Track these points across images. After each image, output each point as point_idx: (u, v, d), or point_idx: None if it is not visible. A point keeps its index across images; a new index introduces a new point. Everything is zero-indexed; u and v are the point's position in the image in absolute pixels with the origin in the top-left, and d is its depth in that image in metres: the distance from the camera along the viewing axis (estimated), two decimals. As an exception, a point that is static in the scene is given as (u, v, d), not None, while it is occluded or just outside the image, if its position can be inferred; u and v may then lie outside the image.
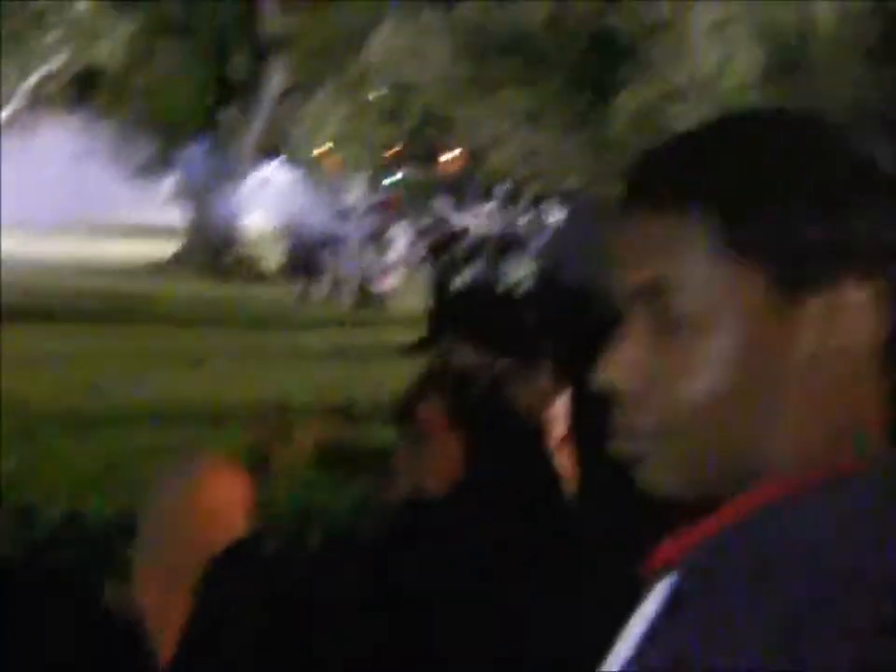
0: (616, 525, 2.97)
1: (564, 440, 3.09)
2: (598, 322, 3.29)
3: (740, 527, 1.01)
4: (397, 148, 54.29)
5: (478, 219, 28.87)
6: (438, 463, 2.72)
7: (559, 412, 2.85)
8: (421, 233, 28.71)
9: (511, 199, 31.08)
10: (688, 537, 1.05)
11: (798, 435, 1.04)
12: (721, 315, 1.04)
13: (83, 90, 43.07)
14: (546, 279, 3.61)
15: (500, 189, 36.07)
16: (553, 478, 2.78)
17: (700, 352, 1.05)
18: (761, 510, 1.01)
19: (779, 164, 1.05)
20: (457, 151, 54.22)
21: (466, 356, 2.80)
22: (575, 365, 3.30)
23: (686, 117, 37.29)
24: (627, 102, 38.18)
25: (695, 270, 1.05)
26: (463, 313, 3.42)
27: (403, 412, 2.80)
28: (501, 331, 3.18)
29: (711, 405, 1.04)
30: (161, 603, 2.61)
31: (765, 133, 1.09)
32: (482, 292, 4.22)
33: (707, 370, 1.04)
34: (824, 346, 1.04)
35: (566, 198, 36.99)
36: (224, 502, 2.77)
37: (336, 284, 28.46)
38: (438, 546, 2.57)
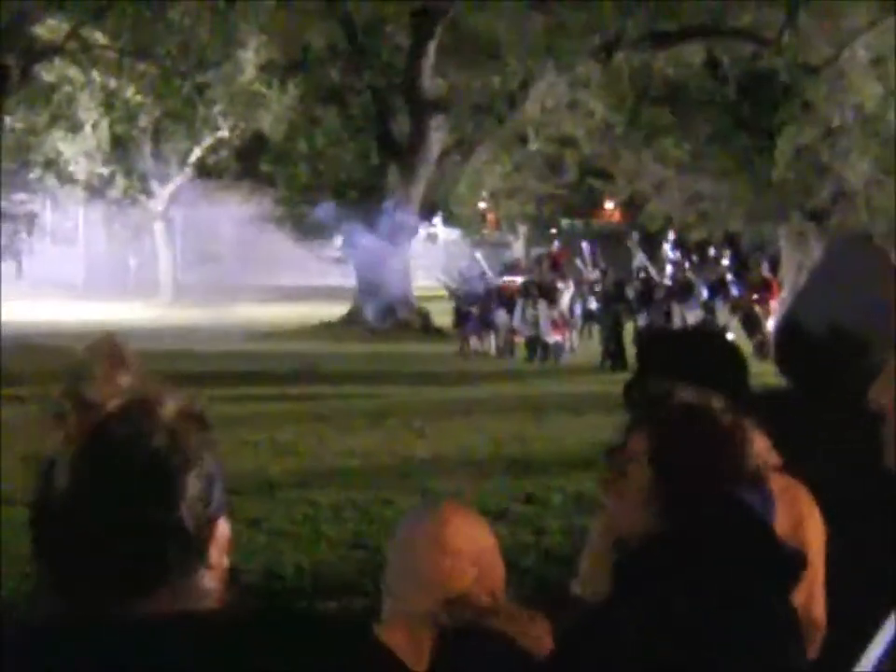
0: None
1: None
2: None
3: None
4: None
5: (646, 266, 28.78)
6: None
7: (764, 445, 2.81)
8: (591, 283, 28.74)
9: (676, 244, 30.99)
10: None
11: None
12: None
13: (250, 159, 44.08)
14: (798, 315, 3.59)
15: (664, 236, 35.97)
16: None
17: None
18: None
19: None
20: (611, 205, 54.23)
21: (686, 394, 2.79)
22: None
23: (848, 154, 36.91)
24: (788, 142, 37.80)
25: None
26: (675, 353, 3.46)
27: (610, 452, 2.79)
28: (714, 369, 3.24)
29: None
30: (408, 645, 2.68)
31: None
32: (692, 331, 4.15)
33: None
34: None
35: (729, 240, 36.78)
36: (467, 546, 2.91)
37: (506, 337, 28.66)
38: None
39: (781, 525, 3.01)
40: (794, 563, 2.63)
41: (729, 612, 2.51)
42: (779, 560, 2.60)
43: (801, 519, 3.24)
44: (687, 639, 2.47)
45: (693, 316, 26.55)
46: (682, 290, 27.00)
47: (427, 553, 2.86)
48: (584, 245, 33.74)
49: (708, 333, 5.06)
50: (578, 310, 29.46)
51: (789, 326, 4.32)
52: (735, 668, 2.50)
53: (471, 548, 2.89)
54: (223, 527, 1.88)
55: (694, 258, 29.08)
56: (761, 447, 2.68)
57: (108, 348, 1.87)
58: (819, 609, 3.22)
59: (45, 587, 1.82)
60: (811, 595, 3.18)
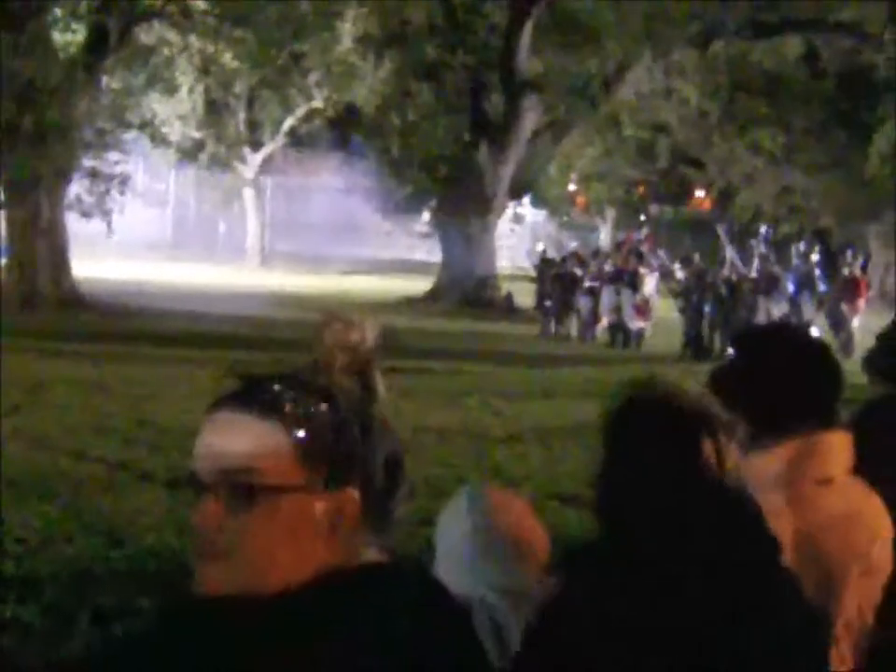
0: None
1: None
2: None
3: None
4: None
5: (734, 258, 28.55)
6: None
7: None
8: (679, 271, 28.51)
9: (766, 237, 30.71)
10: None
11: None
12: None
13: (342, 130, 44.25)
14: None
15: (754, 227, 35.66)
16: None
17: None
18: None
19: None
20: (701, 193, 53.87)
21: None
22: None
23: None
24: (884, 139, 37.37)
25: None
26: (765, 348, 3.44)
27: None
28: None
29: None
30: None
31: None
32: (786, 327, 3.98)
33: None
34: None
35: (819, 236, 36.44)
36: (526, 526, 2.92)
37: (589, 321, 28.58)
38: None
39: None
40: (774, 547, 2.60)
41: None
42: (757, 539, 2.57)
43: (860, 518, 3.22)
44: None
45: (779, 310, 26.31)
46: (769, 284, 26.75)
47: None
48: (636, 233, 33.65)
49: (800, 332, 4.95)
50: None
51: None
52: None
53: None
54: None
55: (783, 251, 28.78)
56: (731, 451, 2.63)
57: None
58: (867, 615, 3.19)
59: None
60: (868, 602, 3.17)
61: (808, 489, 3.19)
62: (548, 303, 29.56)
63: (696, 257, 29.07)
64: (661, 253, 31.87)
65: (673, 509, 2.51)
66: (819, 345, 3.50)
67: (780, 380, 3.24)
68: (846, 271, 27.63)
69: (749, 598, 2.44)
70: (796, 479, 3.18)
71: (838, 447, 3.24)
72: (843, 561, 3.15)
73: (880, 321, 5.79)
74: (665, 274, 29.51)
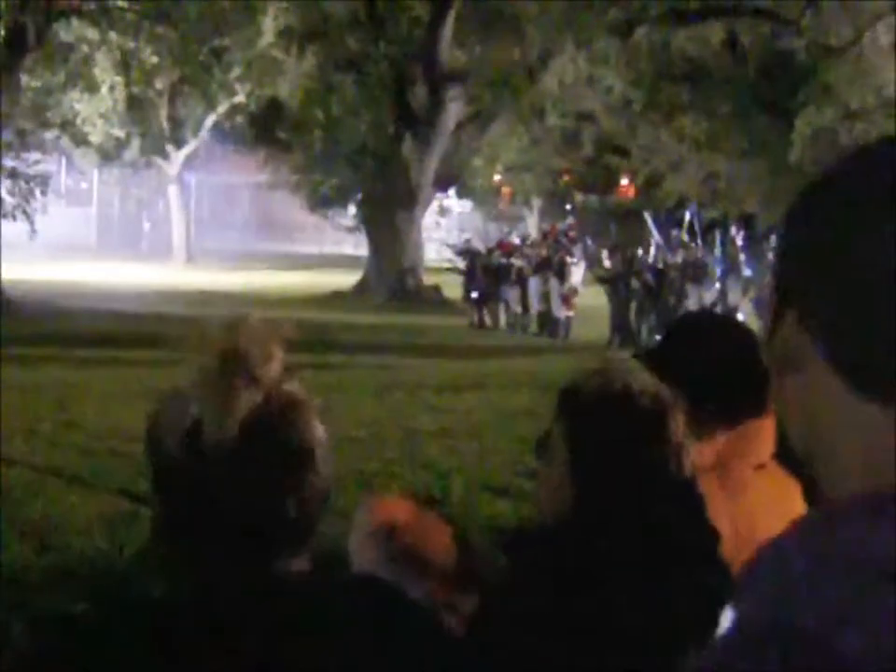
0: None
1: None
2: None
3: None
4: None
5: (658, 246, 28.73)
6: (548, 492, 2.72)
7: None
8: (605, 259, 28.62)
9: (688, 225, 30.92)
10: None
11: None
12: None
13: (265, 125, 44.02)
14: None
15: (679, 214, 35.90)
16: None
17: None
18: None
19: None
20: (626, 182, 54.15)
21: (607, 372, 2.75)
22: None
23: (867, 138, 36.74)
24: (806, 124, 37.66)
25: None
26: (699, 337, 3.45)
27: (538, 441, 2.76)
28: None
29: None
30: None
31: None
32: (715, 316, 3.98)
33: None
34: None
35: (744, 221, 36.69)
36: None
37: (516, 311, 28.66)
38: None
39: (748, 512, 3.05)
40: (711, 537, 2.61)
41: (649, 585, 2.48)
42: (698, 533, 2.58)
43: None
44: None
45: (709, 296, 26.50)
46: (696, 270, 26.94)
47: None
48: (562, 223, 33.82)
49: (733, 320, 4.99)
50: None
51: None
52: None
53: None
54: None
55: (708, 238, 28.97)
56: (682, 425, 2.63)
57: (271, 327, 2.10)
58: None
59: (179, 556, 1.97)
60: None
61: (747, 475, 3.22)
62: (475, 294, 29.60)
63: (623, 245, 29.25)
64: (587, 241, 32.01)
65: (635, 504, 2.52)
66: (753, 333, 3.54)
67: (721, 368, 3.26)
68: (770, 255, 27.86)
69: (683, 601, 2.45)
70: (735, 465, 3.21)
71: (769, 433, 3.28)
72: None
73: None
74: (593, 263, 29.63)
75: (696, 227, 32.34)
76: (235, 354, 1.98)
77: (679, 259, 27.67)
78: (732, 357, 3.29)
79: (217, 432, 1.92)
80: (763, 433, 3.27)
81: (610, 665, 2.42)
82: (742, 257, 28.01)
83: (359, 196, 38.80)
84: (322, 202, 41.74)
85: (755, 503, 3.15)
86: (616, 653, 2.42)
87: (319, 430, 2.00)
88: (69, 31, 33.48)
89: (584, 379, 2.68)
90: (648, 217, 32.45)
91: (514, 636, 2.46)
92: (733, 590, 1.09)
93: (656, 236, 29.94)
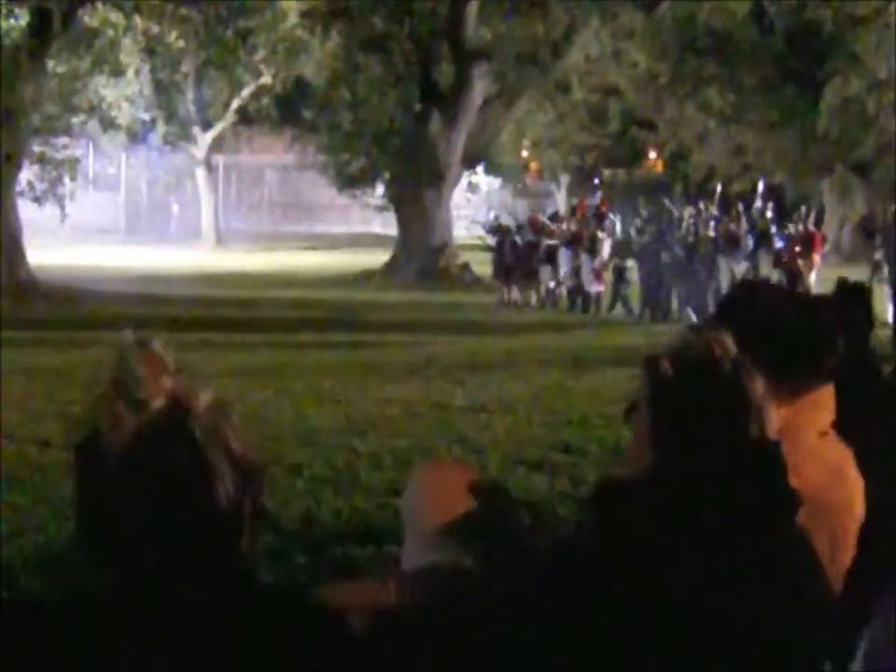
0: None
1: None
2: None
3: None
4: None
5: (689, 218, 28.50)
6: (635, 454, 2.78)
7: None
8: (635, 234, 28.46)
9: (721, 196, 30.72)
10: None
11: None
12: None
13: (291, 106, 44.05)
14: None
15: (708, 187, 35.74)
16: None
17: None
18: None
19: None
20: (654, 155, 53.98)
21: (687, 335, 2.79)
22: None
23: (894, 107, 36.54)
24: (833, 94, 37.49)
25: None
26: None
27: (628, 408, 2.81)
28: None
29: None
30: None
31: None
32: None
33: None
34: None
35: (773, 193, 36.54)
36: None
37: (549, 288, 28.59)
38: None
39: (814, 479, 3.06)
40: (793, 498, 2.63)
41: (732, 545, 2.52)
42: (781, 494, 2.60)
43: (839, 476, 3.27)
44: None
45: (740, 269, 26.33)
46: (727, 243, 26.76)
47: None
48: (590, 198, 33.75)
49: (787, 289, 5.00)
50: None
51: None
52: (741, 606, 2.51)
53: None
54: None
55: (739, 210, 28.76)
56: (762, 390, 2.67)
57: (150, 352, 2.08)
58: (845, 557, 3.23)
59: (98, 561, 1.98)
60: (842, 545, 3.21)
61: (814, 441, 3.27)
62: (505, 271, 29.54)
63: (655, 219, 29.10)
64: (614, 216, 31.89)
65: (716, 468, 2.55)
66: (814, 302, 3.57)
67: (784, 339, 3.29)
68: (800, 226, 27.73)
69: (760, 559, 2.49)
70: (802, 433, 3.24)
71: (831, 401, 3.34)
72: (844, 511, 3.23)
73: (835, 275, 5.82)
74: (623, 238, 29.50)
75: (725, 199, 32.13)
76: (119, 381, 2.06)
77: (710, 232, 27.50)
78: (793, 328, 3.32)
79: (106, 451, 1.97)
80: (826, 401, 3.32)
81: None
82: (772, 228, 27.85)
83: (387, 175, 38.75)
84: (349, 181, 41.69)
85: (820, 470, 3.20)
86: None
87: (217, 447, 1.95)
88: (94, 16, 33.51)
89: (667, 346, 2.72)
90: (675, 191, 32.32)
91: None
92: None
93: (684, 210, 29.77)
